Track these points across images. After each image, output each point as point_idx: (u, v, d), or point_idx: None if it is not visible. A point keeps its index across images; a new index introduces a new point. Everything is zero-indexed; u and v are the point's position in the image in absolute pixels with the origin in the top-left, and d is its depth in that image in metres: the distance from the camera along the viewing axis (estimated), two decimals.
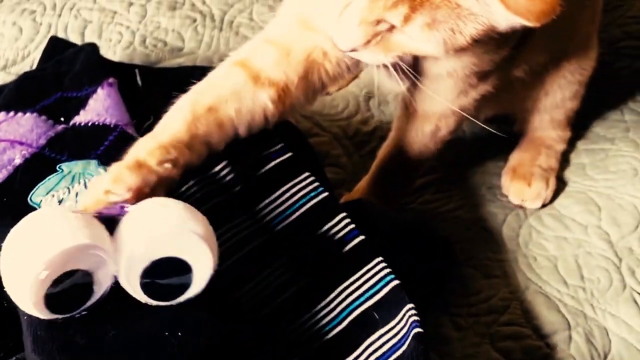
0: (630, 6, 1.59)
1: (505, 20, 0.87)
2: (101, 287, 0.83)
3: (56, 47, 1.33)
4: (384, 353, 0.92)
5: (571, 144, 1.37)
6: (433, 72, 1.05)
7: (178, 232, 0.82)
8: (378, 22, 0.88)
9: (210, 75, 1.01)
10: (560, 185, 1.31)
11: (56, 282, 0.79)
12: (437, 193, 1.30)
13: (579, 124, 1.37)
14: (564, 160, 1.35)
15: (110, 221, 0.85)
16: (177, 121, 0.96)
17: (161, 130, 0.95)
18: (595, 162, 1.34)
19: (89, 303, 0.82)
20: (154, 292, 0.84)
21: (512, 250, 1.20)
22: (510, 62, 1.11)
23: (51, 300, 0.80)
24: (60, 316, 0.81)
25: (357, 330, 0.95)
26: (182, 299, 0.85)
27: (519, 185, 1.29)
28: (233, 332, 0.91)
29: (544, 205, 1.28)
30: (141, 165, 0.90)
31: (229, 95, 0.98)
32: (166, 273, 0.83)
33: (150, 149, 0.91)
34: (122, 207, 0.86)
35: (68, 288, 0.80)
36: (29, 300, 0.79)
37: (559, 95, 1.29)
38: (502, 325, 1.10)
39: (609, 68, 1.47)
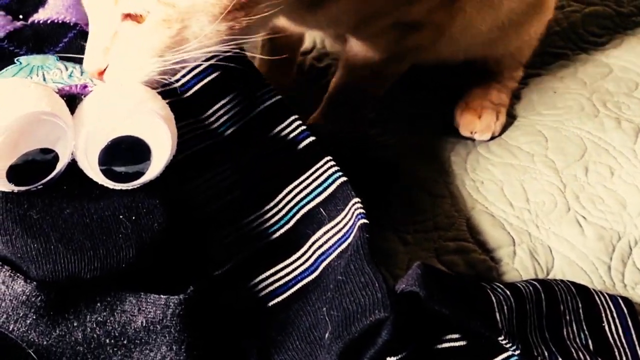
0: None
1: None
2: (60, 162, 0.83)
3: None
4: (329, 247, 0.94)
5: (522, 82, 1.40)
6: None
7: (140, 110, 0.83)
8: None
9: None
10: (510, 120, 1.34)
11: (16, 152, 0.79)
12: (388, 124, 1.32)
13: (531, 63, 1.41)
14: (515, 97, 1.38)
15: (71, 100, 0.85)
16: None
17: None
18: (544, 99, 1.37)
19: (48, 177, 0.83)
20: (112, 174, 0.85)
21: (459, 175, 1.23)
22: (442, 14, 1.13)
23: (11, 170, 0.80)
24: (16, 188, 0.82)
25: (304, 228, 0.97)
26: (139, 182, 0.86)
27: (469, 117, 1.32)
28: (183, 224, 0.92)
29: (492, 138, 1.30)
30: None
31: None
32: (125, 153, 0.84)
33: None
34: (85, 87, 0.86)
35: (28, 160, 0.80)
36: None
37: (517, 44, 1.32)
38: (447, 241, 1.13)
39: (561, 11, 1.51)
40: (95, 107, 0.84)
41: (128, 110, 0.83)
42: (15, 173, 0.81)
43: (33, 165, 0.82)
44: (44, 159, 0.82)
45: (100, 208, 0.84)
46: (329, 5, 0.99)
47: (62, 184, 0.85)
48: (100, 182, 0.85)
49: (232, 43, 0.87)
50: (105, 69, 0.85)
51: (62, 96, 0.85)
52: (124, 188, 0.86)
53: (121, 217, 0.84)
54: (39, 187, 0.83)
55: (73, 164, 0.85)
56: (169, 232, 0.86)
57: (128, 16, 0.84)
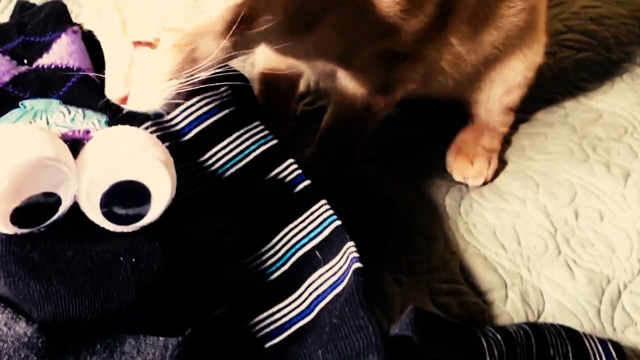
0: (572, 3, 1.66)
1: None
2: (62, 205, 0.85)
3: (23, 10, 1.32)
4: (324, 290, 0.96)
5: (513, 127, 1.42)
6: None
7: (141, 156, 0.85)
8: None
9: None
10: (502, 165, 1.36)
11: (20, 195, 0.81)
12: (381, 166, 1.34)
13: (521, 109, 1.42)
14: (506, 142, 1.41)
15: (74, 145, 0.87)
16: None
17: None
18: (534, 144, 1.40)
19: (50, 220, 0.84)
20: (113, 216, 0.87)
21: (453, 218, 1.25)
22: (428, 45, 1.15)
23: (15, 213, 0.82)
24: (19, 231, 0.83)
25: (300, 270, 0.99)
26: (139, 224, 0.88)
27: (462, 162, 1.34)
28: (181, 267, 0.94)
29: (485, 183, 1.33)
30: None
31: None
32: (126, 197, 0.86)
33: None
34: (87, 132, 0.88)
35: (31, 203, 0.82)
36: None
37: (504, 87, 1.34)
38: (440, 282, 1.15)
39: (552, 57, 1.53)
40: (97, 152, 0.86)
41: (129, 155, 0.85)
42: (18, 216, 0.83)
43: (36, 208, 0.84)
44: (47, 202, 0.84)
45: (101, 250, 0.86)
46: (317, 29, 1.02)
47: (64, 227, 0.87)
48: (101, 225, 0.87)
49: (236, 55, 0.91)
50: (126, 96, 0.89)
51: (65, 141, 0.87)
52: (124, 230, 0.87)
53: (121, 259, 0.86)
54: (42, 229, 0.85)
55: (75, 207, 0.86)
56: (168, 274, 0.88)
57: (139, 43, 0.87)
